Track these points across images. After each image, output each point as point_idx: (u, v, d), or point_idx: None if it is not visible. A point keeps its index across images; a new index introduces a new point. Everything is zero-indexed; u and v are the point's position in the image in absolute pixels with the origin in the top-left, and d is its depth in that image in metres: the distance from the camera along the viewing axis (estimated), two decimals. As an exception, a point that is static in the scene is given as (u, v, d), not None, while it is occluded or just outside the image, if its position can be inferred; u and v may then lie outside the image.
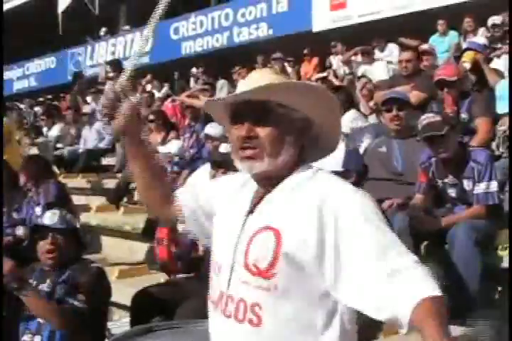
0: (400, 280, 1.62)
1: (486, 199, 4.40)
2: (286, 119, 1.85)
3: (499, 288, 4.43)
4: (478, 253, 4.07)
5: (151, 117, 8.88)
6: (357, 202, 1.77)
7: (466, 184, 4.51)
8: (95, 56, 21.14)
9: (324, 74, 10.66)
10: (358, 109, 7.63)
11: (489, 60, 7.58)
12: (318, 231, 1.72)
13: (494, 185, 4.40)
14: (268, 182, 1.90)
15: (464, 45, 8.93)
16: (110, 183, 9.16)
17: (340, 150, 5.20)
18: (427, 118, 4.52)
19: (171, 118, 10.37)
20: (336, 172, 2.57)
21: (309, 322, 1.77)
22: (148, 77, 14.90)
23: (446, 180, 4.60)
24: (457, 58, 7.65)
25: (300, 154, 1.91)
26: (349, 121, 6.74)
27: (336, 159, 5.05)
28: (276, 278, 1.77)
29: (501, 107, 5.56)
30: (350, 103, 7.14)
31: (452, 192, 4.61)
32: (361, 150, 5.46)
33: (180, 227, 2.25)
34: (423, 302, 1.56)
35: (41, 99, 18.66)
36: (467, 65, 6.58)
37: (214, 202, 2.07)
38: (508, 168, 4.72)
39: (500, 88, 5.72)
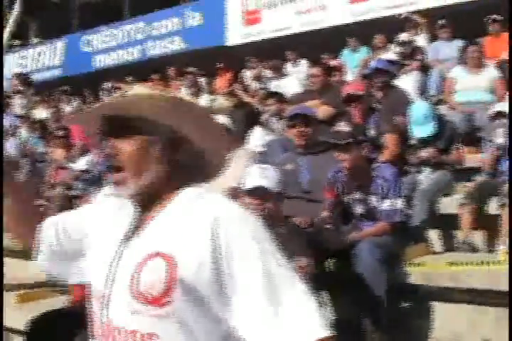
0: (285, 321, 1.58)
1: (390, 216, 4.42)
2: (149, 134, 1.75)
3: (405, 304, 4.46)
4: (382, 270, 4.07)
5: (59, 134, 8.89)
6: (248, 225, 1.70)
7: (374, 200, 4.51)
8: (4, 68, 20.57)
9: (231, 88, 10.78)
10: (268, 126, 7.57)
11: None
12: (212, 254, 1.65)
13: (399, 203, 4.42)
14: (147, 204, 1.80)
15: (373, 63, 9.03)
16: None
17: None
18: (337, 126, 4.65)
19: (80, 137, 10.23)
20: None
21: None
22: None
23: (353, 197, 4.59)
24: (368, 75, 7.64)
25: (177, 173, 1.79)
26: (257, 139, 6.62)
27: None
28: (171, 306, 1.66)
29: (418, 131, 5.57)
30: (255, 120, 7.05)
31: (359, 208, 4.60)
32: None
33: None
34: None
35: None
36: None
37: (84, 232, 1.94)
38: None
39: (413, 111, 5.69)
